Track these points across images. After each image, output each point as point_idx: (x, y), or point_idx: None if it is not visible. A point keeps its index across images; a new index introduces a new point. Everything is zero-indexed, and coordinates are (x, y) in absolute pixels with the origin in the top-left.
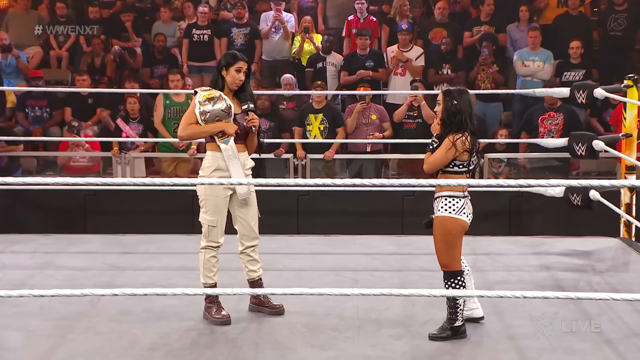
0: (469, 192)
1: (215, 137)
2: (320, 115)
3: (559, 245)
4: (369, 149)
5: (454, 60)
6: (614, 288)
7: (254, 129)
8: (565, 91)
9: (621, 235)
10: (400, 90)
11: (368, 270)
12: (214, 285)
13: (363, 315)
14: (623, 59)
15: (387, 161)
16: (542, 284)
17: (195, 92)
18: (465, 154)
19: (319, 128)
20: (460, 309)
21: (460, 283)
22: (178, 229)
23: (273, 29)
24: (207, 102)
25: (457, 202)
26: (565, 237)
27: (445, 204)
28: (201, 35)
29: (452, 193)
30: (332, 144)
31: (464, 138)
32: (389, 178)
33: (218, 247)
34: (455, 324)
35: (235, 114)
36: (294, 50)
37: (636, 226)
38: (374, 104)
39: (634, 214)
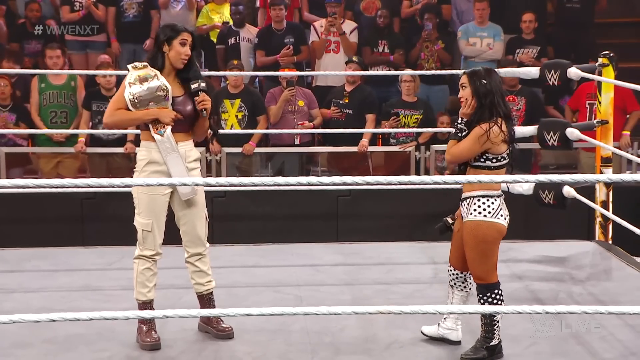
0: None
1: (150, 126)
2: (238, 101)
3: (528, 251)
4: (297, 141)
5: (391, 35)
6: (598, 299)
7: (205, 112)
8: (534, 71)
9: (597, 238)
10: (332, 70)
11: (312, 284)
12: (150, 303)
13: (315, 339)
14: (581, 34)
15: (315, 156)
16: (517, 297)
17: (128, 70)
18: (502, 145)
19: (237, 116)
20: (498, 326)
21: (498, 297)
22: (65, 241)
23: None
24: (138, 83)
25: (493, 203)
26: (533, 242)
27: (479, 206)
28: (83, 3)
29: (485, 192)
30: (251, 135)
31: (497, 127)
32: (318, 174)
33: (154, 257)
34: (492, 343)
35: (174, 97)
36: (200, 23)
37: (613, 228)
38: (300, 88)
39: (610, 213)
